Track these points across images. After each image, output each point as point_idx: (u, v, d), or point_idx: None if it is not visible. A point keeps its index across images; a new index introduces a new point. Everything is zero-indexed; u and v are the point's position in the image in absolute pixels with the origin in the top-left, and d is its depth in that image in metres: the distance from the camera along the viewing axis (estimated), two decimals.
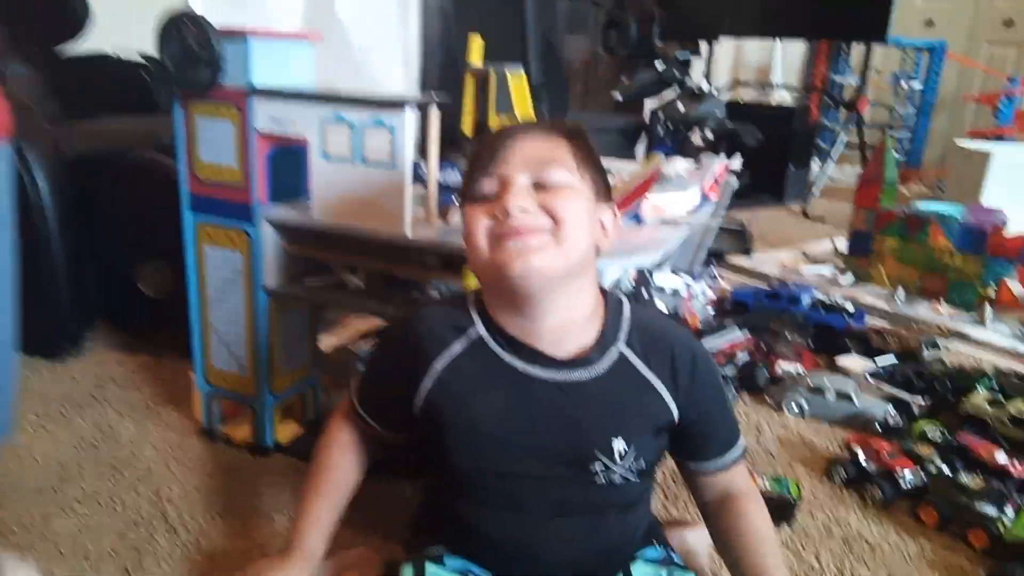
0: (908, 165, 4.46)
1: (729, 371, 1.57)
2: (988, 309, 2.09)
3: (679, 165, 1.67)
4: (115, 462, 1.25)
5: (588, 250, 0.74)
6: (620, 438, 0.73)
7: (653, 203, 1.26)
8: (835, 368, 1.69)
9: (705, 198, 1.32)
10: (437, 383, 0.76)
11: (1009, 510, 1.11)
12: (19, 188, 1.58)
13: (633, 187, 1.05)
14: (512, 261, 0.70)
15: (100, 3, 2.23)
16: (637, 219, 1.11)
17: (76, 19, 2.23)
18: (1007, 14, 4.31)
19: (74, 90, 2.11)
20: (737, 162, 1.67)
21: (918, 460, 1.26)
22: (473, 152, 0.80)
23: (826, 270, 2.53)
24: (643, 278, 1.09)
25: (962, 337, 2.00)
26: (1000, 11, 4.34)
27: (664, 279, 1.23)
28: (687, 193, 1.26)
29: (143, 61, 2.29)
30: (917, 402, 1.50)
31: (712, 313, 1.81)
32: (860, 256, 2.43)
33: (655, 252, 1.08)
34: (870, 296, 2.28)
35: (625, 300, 0.81)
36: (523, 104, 2.01)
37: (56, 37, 2.23)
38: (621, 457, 0.73)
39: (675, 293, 1.23)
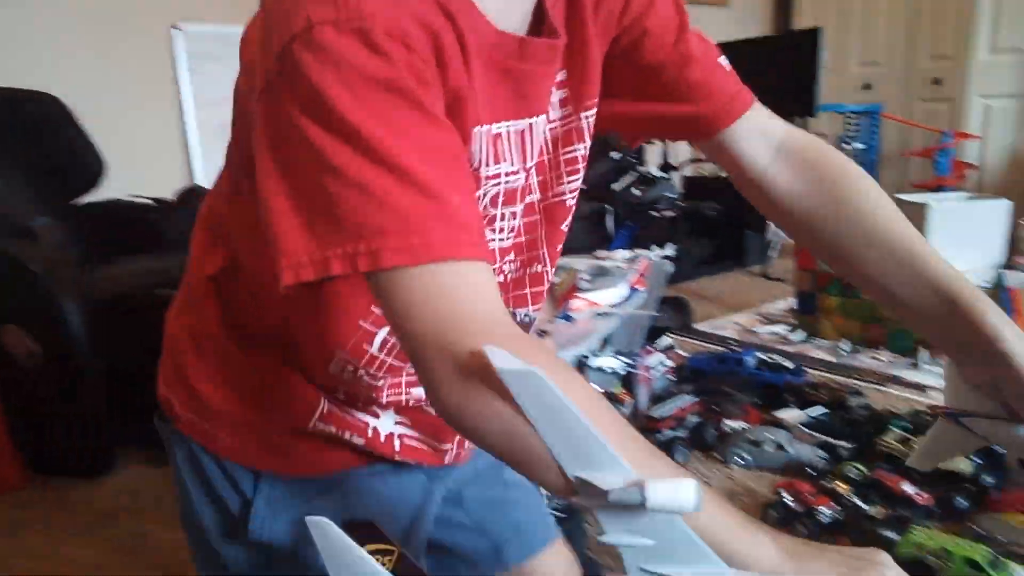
0: None
1: (681, 432, 1.79)
2: (923, 353, 2.32)
3: (619, 256, 1.94)
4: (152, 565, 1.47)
5: None
6: None
7: (588, 299, 1.52)
8: (775, 422, 1.91)
9: (633, 289, 1.58)
10: None
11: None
12: (55, 325, 1.85)
13: (559, 296, 1.30)
14: None
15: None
16: (567, 318, 1.36)
17: (92, 172, 2.56)
18: (935, 74, 4.71)
19: (93, 236, 2.42)
20: (669, 249, 1.94)
21: (837, 497, 1.46)
22: None
23: (781, 329, 2.77)
24: (579, 364, 1.34)
25: (898, 381, 2.22)
26: (928, 71, 4.74)
27: (604, 362, 1.47)
28: (616, 289, 1.52)
29: (152, 204, 2.62)
30: (843, 446, 1.71)
31: (672, 381, 2.04)
32: (808, 314, 2.67)
33: (589, 341, 1.33)
34: (819, 350, 2.51)
35: None
36: None
37: (75, 190, 2.56)
38: None
39: (613, 372, 1.47)
